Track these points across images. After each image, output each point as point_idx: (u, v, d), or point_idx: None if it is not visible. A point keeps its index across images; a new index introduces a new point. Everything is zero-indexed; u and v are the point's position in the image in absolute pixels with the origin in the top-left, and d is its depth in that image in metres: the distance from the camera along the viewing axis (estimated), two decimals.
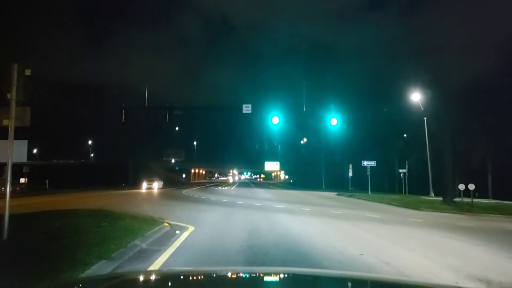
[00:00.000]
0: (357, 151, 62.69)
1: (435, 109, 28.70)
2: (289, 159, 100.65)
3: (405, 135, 55.75)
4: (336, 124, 24.22)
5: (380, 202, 26.09)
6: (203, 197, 26.60)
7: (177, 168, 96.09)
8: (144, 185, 42.27)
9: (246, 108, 24.94)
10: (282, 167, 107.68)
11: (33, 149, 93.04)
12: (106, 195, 27.80)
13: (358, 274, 4.15)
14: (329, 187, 61.19)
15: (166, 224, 10.47)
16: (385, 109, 29.29)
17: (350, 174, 51.08)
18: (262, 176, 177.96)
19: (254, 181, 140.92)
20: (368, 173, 37.22)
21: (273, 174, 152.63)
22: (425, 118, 42.37)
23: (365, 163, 37.20)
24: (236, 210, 16.67)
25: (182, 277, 2.61)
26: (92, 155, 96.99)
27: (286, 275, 2.76)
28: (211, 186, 59.64)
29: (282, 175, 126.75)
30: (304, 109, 24.60)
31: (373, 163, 36.90)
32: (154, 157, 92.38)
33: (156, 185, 43.08)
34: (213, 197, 26.62)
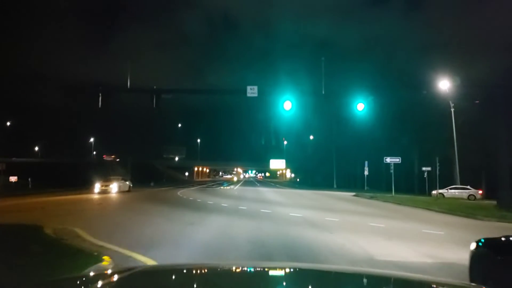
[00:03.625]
0: (370, 147, 58.03)
1: (479, 92, 23.63)
2: (296, 156, 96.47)
3: (424, 129, 50.64)
4: (362, 110, 19.40)
5: (415, 206, 21.36)
6: (198, 200, 21.89)
7: (176, 165, 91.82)
8: (97, 187, 28.94)
9: (251, 91, 20.18)
10: (288, 165, 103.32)
11: (34, 147, 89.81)
12: (78, 199, 22.66)
13: (369, 270, 3.73)
14: (341, 186, 56.30)
15: (105, 261, 5.74)
16: (425, 91, 24.27)
17: (366, 173, 46.20)
18: (268, 174, 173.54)
19: (261, 180, 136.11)
20: (392, 171, 32.36)
21: (278, 173, 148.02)
22: (452, 110, 37.53)
23: (387, 159, 32.34)
24: (237, 222, 11.93)
25: (189, 272, 2.51)
26: (94, 152, 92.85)
27: (292, 270, 2.71)
28: (213, 185, 54.97)
29: (288, 174, 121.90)
30: (323, 91, 19.79)
31: (397, 159, 32.03)
32: (156, 155, 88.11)
33: (116, 187, 29.36)
34: (211, 200, 21.90)
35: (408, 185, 51.70)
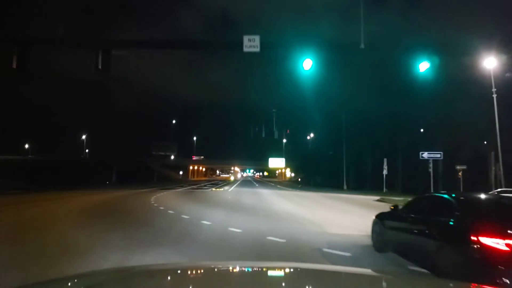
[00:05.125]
0: (383, 140, 51.35)
1: None
2: (296, 154, 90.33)
3: (452, 120, 43.58)
4: (425, 70, 12.34)
5: None
6: (170, 212, 14.55)
7: (170, 164, 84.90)
8: None
9: (251, 44, 13.00)
10: (287, 164, 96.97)
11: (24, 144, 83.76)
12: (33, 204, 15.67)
13: (371, 270, 3.08)
14: (352, 188, 49.05)
15: None
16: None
17: (385, 172, 39.04)
18: (266, 173, 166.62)
19: (259, 179, 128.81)
20: (430, 170, 25.13)
21: (277, 172, 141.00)
22: (494, 96, 30.34)
23: (425, 155, 25.10)
24: None
25: (189, 272, 2.48)
26: (87, 150, 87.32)
27: (292, 270, 2.65)
28: (205, 185, 47.70)
29: (288, 173, 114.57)
30: (362, 44, 12.63)
31: (438, 155, 24.79)
32: (147, 154, 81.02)
33: None
34: (188, 212, 14.59)
35: (426, 186, 44.66)
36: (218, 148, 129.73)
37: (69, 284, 2.03)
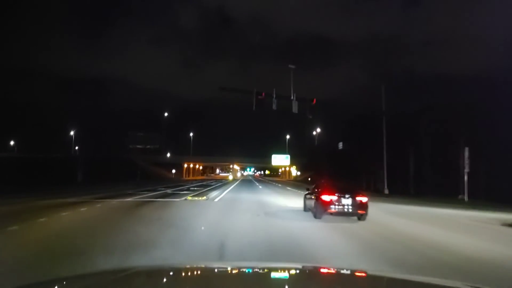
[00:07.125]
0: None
1: None
2: (302, 150, 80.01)
3: None
4: None
5: None
6: None
7: (165, 162, 73.24)
8: None
9: None
10: (292, 161, 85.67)
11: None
12: None
13: (371, 270, 3.57)
14: (394, 191, 34.96)
15: None
16: None
17: (467, 169, 24.83)
18: (267, 172, 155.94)
19: (260, 178, 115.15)
20: None
21: (280, 170, 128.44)
22: None
23: None
24: None
25: (188, 272, 2.46)
26: (76, 148, 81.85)
27: (294, 270, 2.61)
28: (186, 190, 33.50)
29: (293, 171, 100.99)
30: None
31: None
32: (125, 146, 68.28)
33: None
34: None
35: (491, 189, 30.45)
36: (218, 145, 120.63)
37: (68, 285, 2.01)
